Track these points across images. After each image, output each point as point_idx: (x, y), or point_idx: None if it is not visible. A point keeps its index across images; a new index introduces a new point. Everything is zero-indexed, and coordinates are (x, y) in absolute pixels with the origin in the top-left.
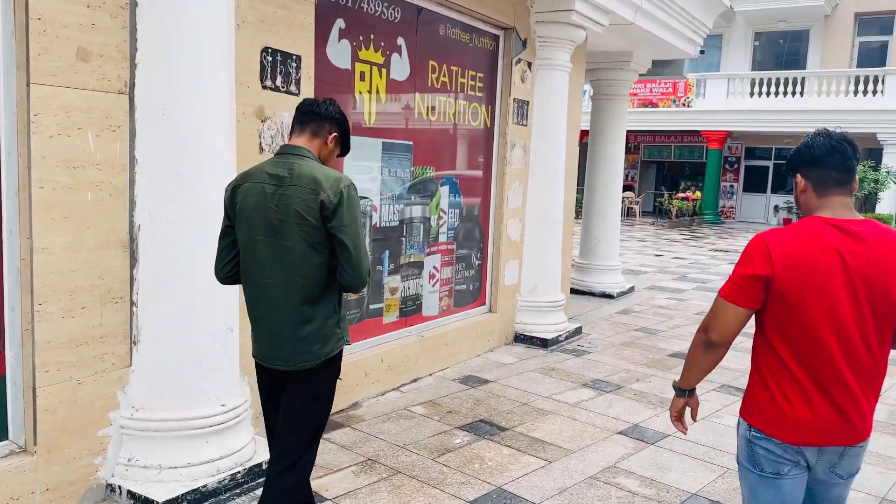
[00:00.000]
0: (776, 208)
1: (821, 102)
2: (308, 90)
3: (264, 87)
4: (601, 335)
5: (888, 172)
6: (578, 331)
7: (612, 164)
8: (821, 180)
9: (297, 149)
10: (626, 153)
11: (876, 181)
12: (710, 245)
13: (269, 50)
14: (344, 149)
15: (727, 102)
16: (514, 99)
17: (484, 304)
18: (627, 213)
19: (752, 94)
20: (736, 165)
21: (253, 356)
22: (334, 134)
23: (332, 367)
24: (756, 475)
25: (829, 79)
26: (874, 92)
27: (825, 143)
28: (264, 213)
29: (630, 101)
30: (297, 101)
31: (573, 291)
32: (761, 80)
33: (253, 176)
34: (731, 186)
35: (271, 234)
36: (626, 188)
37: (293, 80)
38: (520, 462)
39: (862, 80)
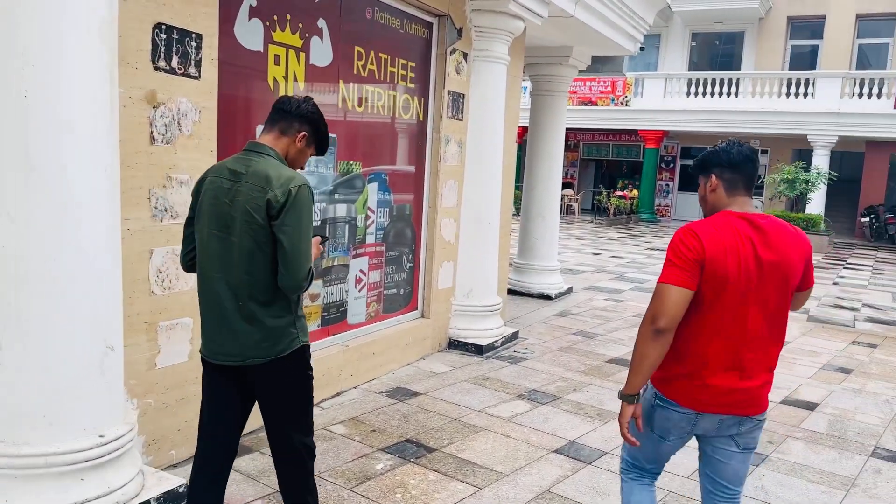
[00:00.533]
0: None
1: (754, 104)
2: (211, 73)
3: (156, 69)
4: (539, 340)
5: (818, 173)
6: (515, 336)
7: (551, 162)
8: (733, 182)
9: (259, 146)
10: (565, 151)
11: (807, 182)
12: (646, 244)
13: (163, 26)
14: (319, 148)
15: (664, 102)
16: (449, 91)
17: (416, 309)
18: (567, 210)
19: (688, 94)
20: (672, 165)
21: (199, 351)
22: (303, 133)
23: (291, 366)
24: (647, 432)
25: (763, 80)
26: (805, 94)
27: (741, 151)
28: (219, 208)
29: (570, 99)
30: (198, 85)
31: (511, 292)
32: (697, 81)
33: (217, 170)
34: (667, 185)
35: (223, 230)
36: (565, 186)
37: (192, 62)
38: (447, 489)
39: (793, 82)
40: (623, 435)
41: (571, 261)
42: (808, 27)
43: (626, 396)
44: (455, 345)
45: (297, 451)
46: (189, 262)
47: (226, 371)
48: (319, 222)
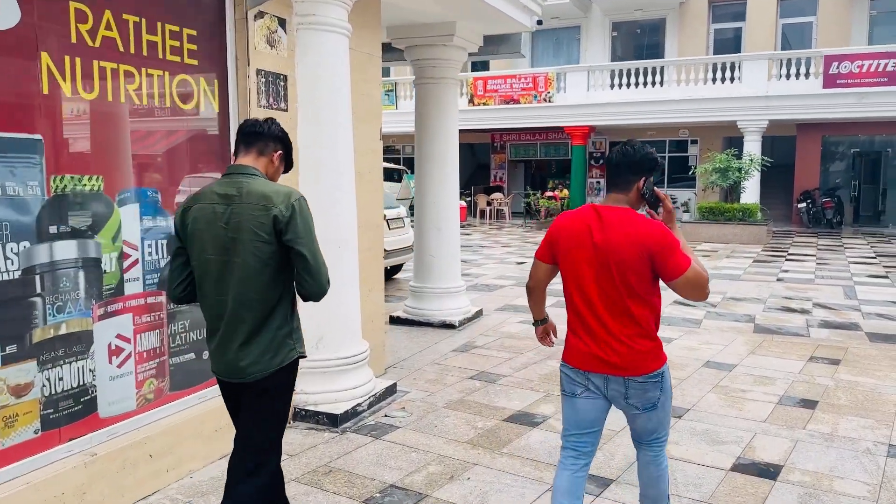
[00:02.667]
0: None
1: (680, 92)
2: None
3: None
4: (424, 392)
5: (752, 160)
6: (392, 390)
7: (444, 164)
8: (608, 179)
9: (244, 168)
10: (492, 153)
11: (740, 170)
12: None
13: None
14: (287, 165)
15: (588, 96)
16: (260, 72)
17: None
18: (497, 215)
19: (612, 86)
20: (601, 161)
21: (212, 371)
22: (279, 152)
23: (284, 378)
24: (562, 395)
25: (687, 67)
26: (731, 79)
27: (612, 154)
28: (215, 232)
29: (491, 99)
30: None
31: (407, 323)
32: (621, 72)
33: (203, 197)
34: (598, 183)
35: (222, 252)
36: (494, 189)
37: None
38: None
39: (719, 67)
40: (540, 342)
41: (490, 274)
42: (730, 10)
43: (535, 323)
44: (301, 415)
45: (275, 469)
46: (181, 293)
47: (234, 387)
48: (16, 273)
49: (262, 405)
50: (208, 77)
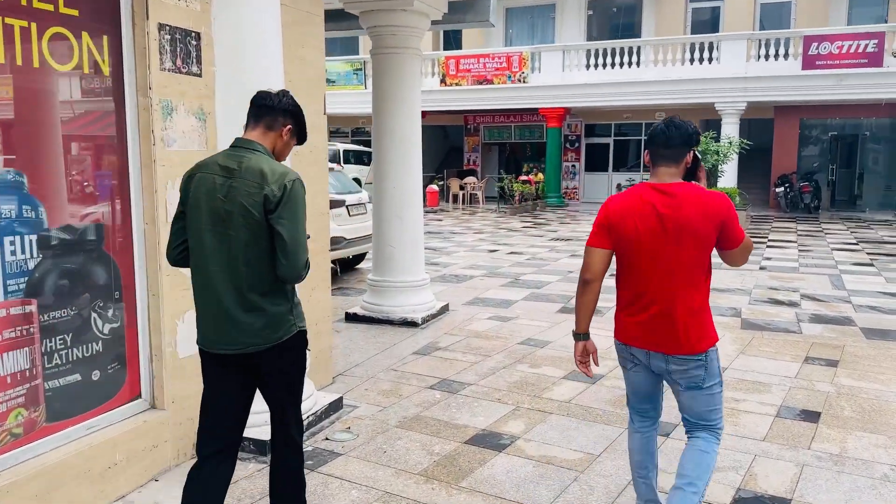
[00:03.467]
0: (618, 186)
1: (657, 73)
2: None
3: None
4: (375, 406)
5: (730, 142)
6: (338, 405)
7: (406, 144)
8: (654, 155)
9: (248, 142)
10: (465, 136)
11: (718, 153)
12: (551, 233)
13: None
14: (301, 138)
15: (563, 76)
16: (165, 27)
17: (138, 397)
18: (470, 200)
19: (588, 66)
20: (577, 144)
21: (196, 343)
22: (289, 126)
23: (293, 349)
24: (621, 367)
25: (665, 47)
26: (710, 59)
27: (657, 126)
28: (213, 203)
29: (464, 78)
30: None
31: (365, 321)
32: (597, 52)
33: (206, 166)
34: (574, 166)
35: (218, 224)
36: (467, 173)
37: None
38: None
39: (697, 47)
40: (577, 366)
41: (460, 263)
42: None
43: (576, 335)
44: None
45: (293, 440)
46: (178, 256)
47: (226, 360)
48: None
49: (277, 375)
50: (94, 31)
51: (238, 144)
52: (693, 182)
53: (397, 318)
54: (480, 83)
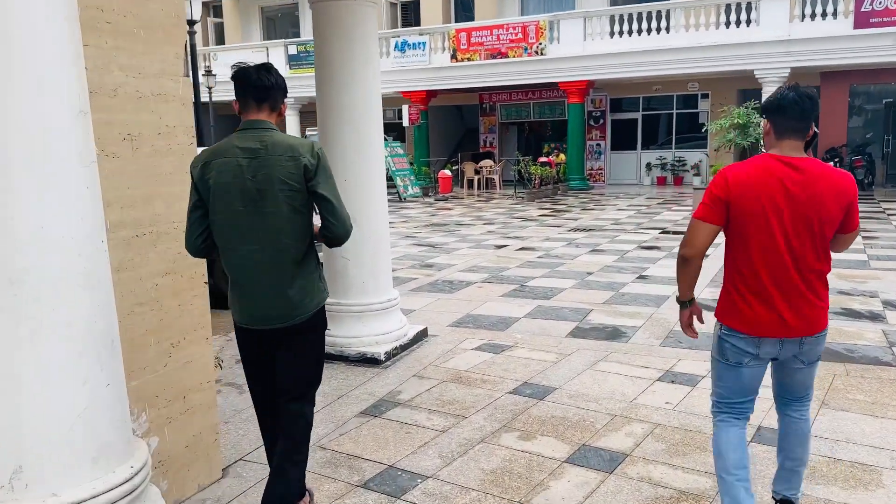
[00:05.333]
0: (648, 166)
1: (689, 38)
2: None
3: None
4: None
5: None
6: None
7: (360, 123)
8: (780, 126)
9: (261, 123)
10: (481, 116)
11: (760, 126)
12: (571, 222)
13: None
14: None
15: (585, 46)
16: None
17: None
18: (486, 185)
19: (612, 34)
20: (601, 121)
21: (239, 322)
22: (284, 103)
23: (321, 318)
24: (723, 364)
25: (697, 10)
26: (747, 22)
27: (787, 95)
28: (242, 185)
29: (476, 53)
30: None
31: None
32: (622, 18)
33: (223, 152)
34: (598, 145)
35: (251, 204)
36: (484, 156)
37: None
38: None
39: (733, 8)
40: (684, 331)
41: (459, 265)
42: None
43: (681, 303)
44: None
45: (305, 415)
46: (201, 245)
47: (265, 335)
48: None
49: (304, 345)
50: None
51: (252, 126)
52: (816, 157)
53: (353, 354)
54: (494, 57)
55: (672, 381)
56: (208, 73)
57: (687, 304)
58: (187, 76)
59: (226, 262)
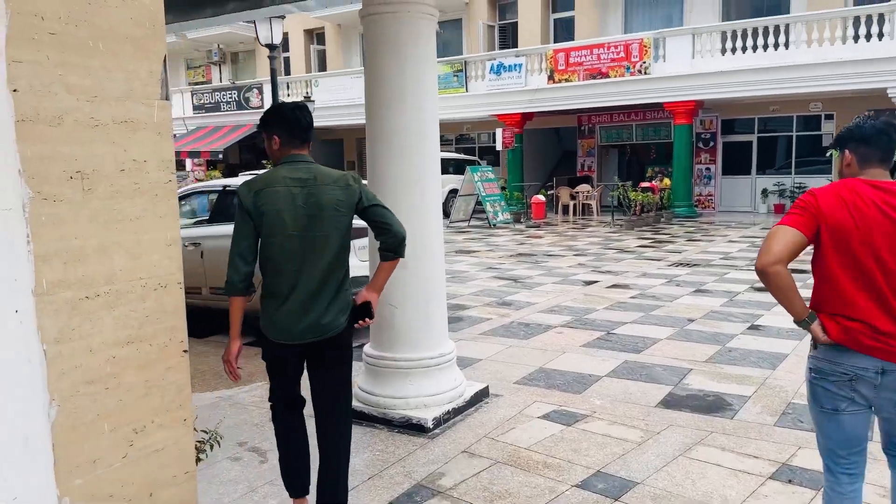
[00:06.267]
0: (764, 192)
1: (811, 55)
2: None
3: None
4: None
5: None
6: None
7: (412, 152)
8: (866, 156)
9: (305, 157)
10: (579, 139)
11: None
12: (673, 254)
13: None
14: None
15: (693, 64)
16: None
17: None
18: (583, 211)
19: (724, 51)
20: (711, 143)
21: (278, 340)
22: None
23: (350, 331)
24: (820, 412)
25: (821, 23)
26: (879, 35)
27: (873, 125)
28: (294, 212)
29: (575, 73)
30: None
31: (355, 417)
32: (734, 33)
33: (275, 182)
34: (708, 169)
35: (301, 230)
36: (580, 180)
37: None
38: None
39: (863, 20)
40: (818, 342)
41: (541, 304)
42: None
43: (800, 323)
44: None
45: (347, 435)
46: (251, 277)
47: (302, 349)
48: None
49: (343, 357)
50: None
51: (296, 160)
52: None
53: (397, 418)
54: (594, 77)
55: (789, 481)
56: (307, 99)
57: (805, 322)
58: (167, 99)
59: (273, 283)
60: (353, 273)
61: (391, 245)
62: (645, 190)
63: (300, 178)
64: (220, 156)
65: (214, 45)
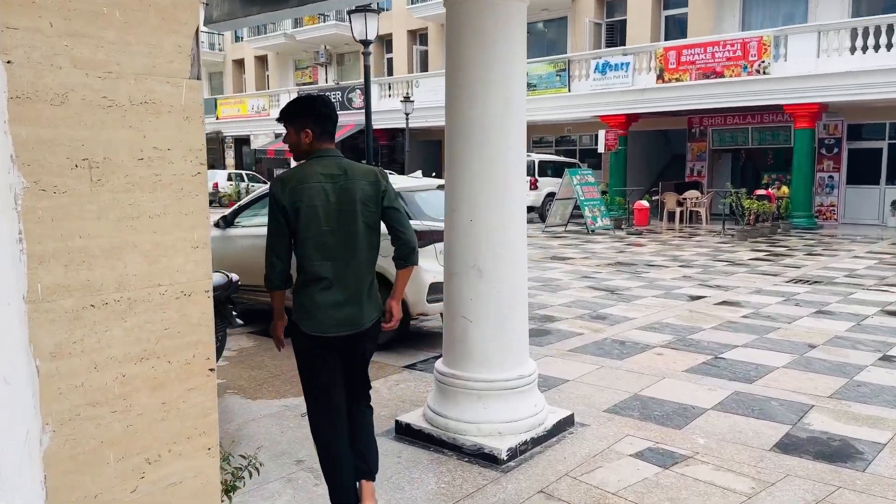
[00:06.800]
0: (894, 204)
1: None
2: None
3: None
4: None
5: None
6: None
7: (491, 149)
8: None
9: (333, 151)
10: (689, 141)
11: None
12: (791, 269)
13: None
14: None
15: (818, 64)
16: None
17: None
18: (691, 218)
19: (852, 49)
20: (836, 149)
21: (319, 334)
22: None
23: (379, 325)
24: None
25: None
26: None
27: None
28: (327, 207)
29: (686, 73)
30: None
31: (422, 439)
32: (865, 31)
33: (307, 176)
34: (831, 178)
35: (333, 223)
36: (688, 186)
37: None
38: None
39: None
40: None
41: (638, 319)
42: None
43: None
44: None
45: (371, 420)
46: (287, 274)
47: (336, 342)
48: None
49: (370, 347)
50: None
51: (326, 155)
52: None
53: (468, 446)
54: (707, 77)
55: None
56: (406, 99)
57: None
58: (198, 79)
59: (308, 276)
60: (434, 279)
61: (403, 253)
62: (760, 198)
63: (332, 174)
64: None
65: (321, 46)
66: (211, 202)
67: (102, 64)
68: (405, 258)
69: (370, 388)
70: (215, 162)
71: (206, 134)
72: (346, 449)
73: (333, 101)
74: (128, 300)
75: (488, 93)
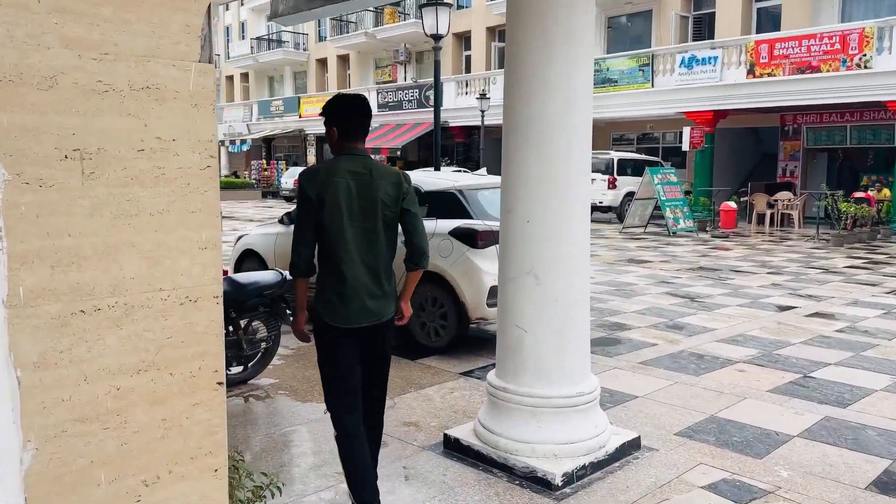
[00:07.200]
0: None
1: None
2: None
3: None
4: None
5: None
6: None
7: (550, 145)
8: None
9: (362, 150)
10: (782, 140)
11: None
12: (892, 278)
13: None
14: None
15: None
16: None
17: None
18: (782, 221)
19: None
20: None
21: (341, 325)
22: None
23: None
24: None
25: None
26: None
27: None
28: (350, 203)
29: (779, 67)
30: None
31: (471, 457)
32: None
33: (333, 171)
34: None
35: (356, 219)
36: (781, 187)
37: None
38: None
39: None
40: None
41: (720, 330)
42: None
43: None
44: None
45: (382, 421)
46: (312, 264)
47: (355, 334)
48: None
49: (389, 339)
50: None
51: (355, 153)
52: None
53: (520, 467)
54: (802, 71)
55: None
56: (482, 96)
57: None
58: (209, 62)
59: (331, 268)
60: (494, 282)
61: (413, 256)
62: (859, 201)
63: (357, 171)
64: (399, 152)
65: (401, 44)
66: (289, 199)
67: (97, 44)
68: (416, 262)
69: (385, 395)
70: (298, 159)
71: (289, 132)
72: (364, 435)
73: (411, 98)
74: (124, 305)
75: (547, 83)
